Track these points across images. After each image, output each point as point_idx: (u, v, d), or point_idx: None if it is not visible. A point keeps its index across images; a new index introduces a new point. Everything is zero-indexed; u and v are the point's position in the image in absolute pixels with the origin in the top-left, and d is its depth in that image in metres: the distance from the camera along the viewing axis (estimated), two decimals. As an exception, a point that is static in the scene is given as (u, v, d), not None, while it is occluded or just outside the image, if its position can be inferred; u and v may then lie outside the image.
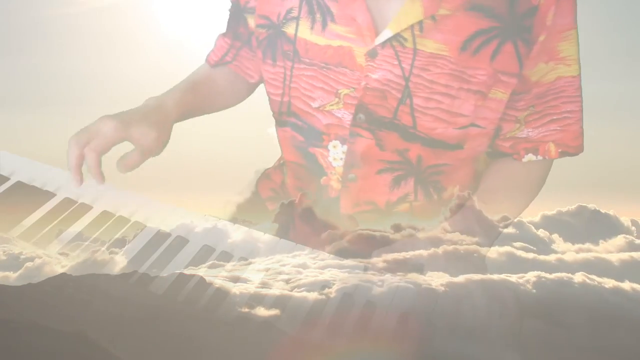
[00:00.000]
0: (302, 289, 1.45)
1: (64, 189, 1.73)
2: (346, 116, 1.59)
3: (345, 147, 1.62)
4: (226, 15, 1.85)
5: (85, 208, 1.73)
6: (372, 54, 1.50)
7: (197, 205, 1.80)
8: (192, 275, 1.47)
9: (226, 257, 1.61)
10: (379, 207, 1.71)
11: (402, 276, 1.48)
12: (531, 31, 1.46)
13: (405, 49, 1.48)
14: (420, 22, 1.45)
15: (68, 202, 1.74)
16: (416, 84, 1.50)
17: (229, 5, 1.78)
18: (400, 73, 1.50)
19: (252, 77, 1.84)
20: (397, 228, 1.55)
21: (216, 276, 1.51)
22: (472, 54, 1.47)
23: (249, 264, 1.58)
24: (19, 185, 1.77)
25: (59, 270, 1.57)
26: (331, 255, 1.51)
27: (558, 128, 1.59)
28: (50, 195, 1.72)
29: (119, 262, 1.58)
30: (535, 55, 1.50)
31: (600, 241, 1.67)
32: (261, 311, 1.44)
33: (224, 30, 1.89)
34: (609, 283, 1.44)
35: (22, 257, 1.67)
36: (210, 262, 1.59)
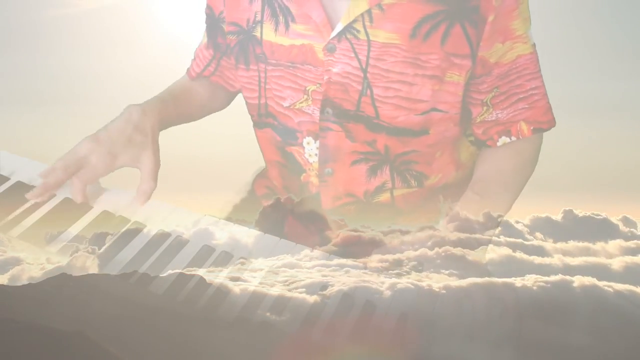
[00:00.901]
0: (302, 289, 1.45)
1: (64, 189, 1.73)
2: (316, 112, 1.65)
3: (318, 143, 1.67)
4: (204, 26, 1.86)
5: (85, 208, 1.73)
6: (330, 49, 1.58)
7: (197, 205, 1.80)
8: (192, 275, 1.47)
9: (226, 257, 1.61)
10: (359, 199, 1.74)
11: (402, 276, 1.48)
12: (478, 11, 1.51)
13: (360, 41, 1.55)
14: (369, 13, 1.52)
15: (68, 202, 1.74)
16: (374, 74, 1.56)
17: (204, 17, 1.85)
18: (358, 65, 1.57)
19: (233, 86, 1.89)
20: (387, 231, 1.57)
21: (216, 276, 1.51)
22: (423, 40, 1.52)
23: (249, 264, 1.58)
24: (19, 185, 1.77)
25: (37, 275, 1.56)
26: (330, 255, 1.52)
27: (526, 106, 1.63)
28: (50, 195, 1.72)
29: (94, 266, 1.58)
30: (488, 36, 1.54)
31: (597, 243, 1.67)
32: (261, 311, 1.44)
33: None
34: (608, 286, 1.44)
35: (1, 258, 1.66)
36: (210, 262, 1.59)
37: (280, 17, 1.61)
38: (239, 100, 2.07)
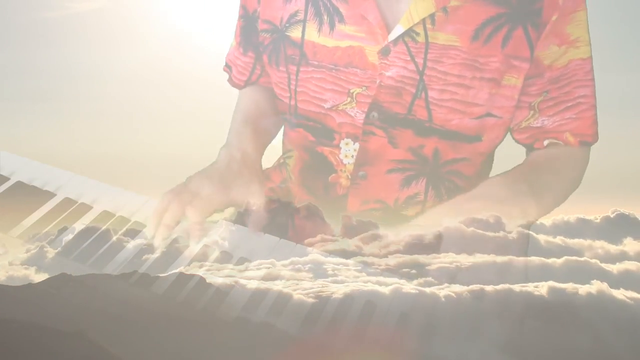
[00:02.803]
0: (303, 289, 1.45)
1: (64, 189, 1.73)
2: (359, 115, 1.62)
3: (357, 145, 1.64)
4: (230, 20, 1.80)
5: (86, 208, 1.74)
6: (385, 52, 1.54)
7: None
8: (192, 275, 1.47)
9: (226, 257, 1.62)
10: (387, 205, 1.70)
11: (403, 279, 1.48)
12: (541, 14, 1.49)
13: (418, 43, 1.52)
14: (432, 15, 1.49)
15: (68, 202, 1.74)
16: (430, 76, 1.53)
17: (235, 16, 1.80)
18: (414, 68, 1.53)
19: (269, 91, 1.83)
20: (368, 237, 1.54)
21: (216, 276, 1.51)
22: (484, 43, 1.50)
23: (249, 263, 1.58)
24: (19, 185, 1.77)
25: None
26: (331, 255, 1.52)
27: (573, 116, 1.58)
28: (50, 195, 1.72)
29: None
30: (545, 36, 1.52)
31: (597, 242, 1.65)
32: (261, 311, 1.44)
33: (224, 23, 1.83)
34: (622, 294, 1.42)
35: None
36: (211, 262, 1.59)
37: (325, 17, 1.58)
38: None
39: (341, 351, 1.36)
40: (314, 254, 1.50)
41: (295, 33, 1.63)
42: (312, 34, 1.60)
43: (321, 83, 1.62)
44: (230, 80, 1.87)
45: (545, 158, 1.62)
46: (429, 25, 1.51)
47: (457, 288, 1.38)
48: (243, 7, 1.76)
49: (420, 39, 1.52)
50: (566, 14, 1.52)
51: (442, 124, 1.56)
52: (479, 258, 1.40)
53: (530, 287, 1.36)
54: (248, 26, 1.77)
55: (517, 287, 1.34)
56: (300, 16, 1.61)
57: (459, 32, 1.51)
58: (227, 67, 1.87)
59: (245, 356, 1.33)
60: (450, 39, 1.52)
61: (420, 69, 1.53)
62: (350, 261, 1.48)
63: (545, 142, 1.61)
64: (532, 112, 1.60)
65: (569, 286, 1.41)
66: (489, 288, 1.36)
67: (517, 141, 1.65)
